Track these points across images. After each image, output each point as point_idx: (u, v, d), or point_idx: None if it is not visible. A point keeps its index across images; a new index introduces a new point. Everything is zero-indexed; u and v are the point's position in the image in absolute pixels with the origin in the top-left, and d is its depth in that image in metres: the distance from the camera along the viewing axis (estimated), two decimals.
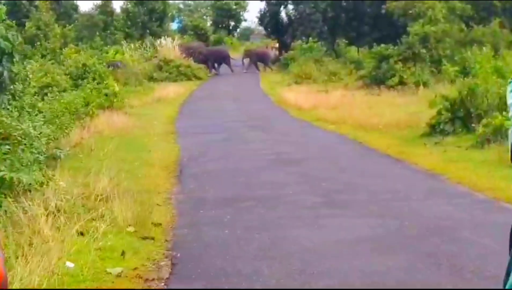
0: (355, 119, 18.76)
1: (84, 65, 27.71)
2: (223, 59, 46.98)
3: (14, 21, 13.63)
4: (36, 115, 14.04)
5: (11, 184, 7.67)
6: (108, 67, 31.44)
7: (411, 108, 21.21)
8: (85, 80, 25.12)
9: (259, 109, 24.73)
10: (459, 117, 14.95)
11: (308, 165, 12.21)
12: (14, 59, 11.26)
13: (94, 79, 26.10)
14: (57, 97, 18.29)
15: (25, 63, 22.86)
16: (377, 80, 30.73)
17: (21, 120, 9.74)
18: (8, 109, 11.71)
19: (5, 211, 7.02)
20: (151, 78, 39.61)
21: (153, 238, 7.08)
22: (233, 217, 8.13)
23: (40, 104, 16.12)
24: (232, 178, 10.97)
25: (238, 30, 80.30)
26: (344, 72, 39.13)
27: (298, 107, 24.24)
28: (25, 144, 8.45)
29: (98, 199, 8.36)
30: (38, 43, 41.66)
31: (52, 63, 29.06)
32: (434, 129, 15.09)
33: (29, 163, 8.23)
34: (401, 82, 29.25)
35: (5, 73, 10.94)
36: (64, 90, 22.48)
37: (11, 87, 12.62)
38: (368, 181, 10.38)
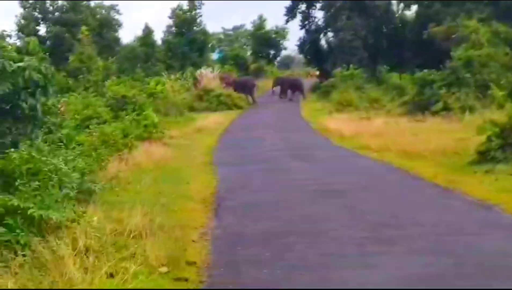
0: (399, 147, 18.16)
1: (124, 96, 27.69)
2: (250, 88, 46.62)
3: (47, 53, 13.34)
4: (73, 148, 13.87)
5: (40, 222, 7.32)
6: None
7: (457, 134, 20.50)
8: (124, 112, 25.09)
9: (300, 138, 24.27)
10: (511, 144, 14.25)
11: (352, 196, 11.64)
12: (48, 92, 10.99)
13: (134, 110, 26.03)
14: (96, 129, 18.14)
15: (66, 95, 22.93)
16: (421, 106, 30.05)
17: (52, 155, 9.40)
18: (42, 142, 11.48)
19: (33, 251, 6.65)
20: (191, 108, 39.51)
21: (186, 280, 6.62)
22: (273, 255, 7.61)
23: (77, 137, 15.98)
24: (272, 212, 10.45)
25: (278, 58, 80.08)
26: (386, 99, 38.43)
27: (340, 135, 23.72)
28: (55, 179, 8.06)
29: (131, 236, 7.95)
30: (81, 76, 42.11)
31: (95, 96, 29.18)
32: (484, 157, 14.39)
33: (59, 200, 7.86)
34: (446, 108, 28.48)
35: (38, 106, 10.67)
36: (105, 122, 22.42)
37: (45, 120, 12.42)
38: (416, 214, 9.80)
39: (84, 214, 8.10)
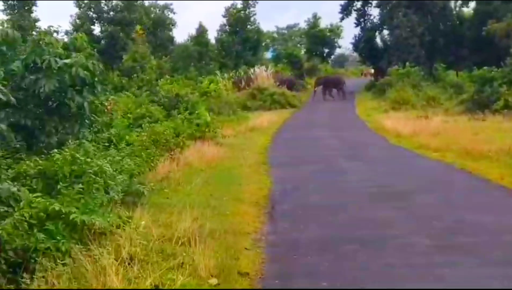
0: (460, 146, 17.34)
1: (177, 95, 27.40)
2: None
3: (96, 50, 12.96)
4: (122, 148, 13.50)
5: (82, 227, 6.88)
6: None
7: None
8: (177, 110, 24.79)
9: (356, 137, 23.52)
10: None
11: (414, 199, 10.93)
12: (96, 90, 10.61)
13: (186, 109, 25.68)
14: (147, 128, 17.81)
15: (113, 93, 22.67)
16: (480, 105, 29.05)
17: (99, 156, 8.96)
18: (92, 142, 11.12)
19: (74, 260, 6.20)
20: (245, 107, 39.09)
21: None
22: (332, 266, 7.02)
23: (128, 137, 15.63)
24: (329, 216, 9.82)
25: (332, 57, 79.09)
26: (444, 97, 37.44)
27: (397, 134, 22.92)
28: (100, 182, 7.60)
29: (179, 243, 7.45)
30: (135, 75, 42.14)
31: (148, 95, 28.99)
32: None
33: (104, 204, 7.41)
34: (507, 106, 27.43)
35: (85, 105, 10.29)
36: (157, 121, 22.12)
37: (94, 119, 12.07)
38: (485, 219, 9.05)
39: (130, 219, 7.65)
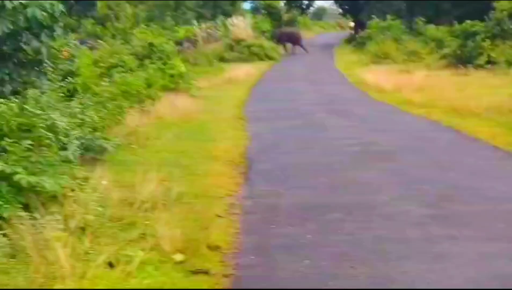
0: (446, 103, 16.57)
1: (151, 44, 26.30)
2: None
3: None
4: (86, 99, 12.52)
5: (30, 191, 5.97)
6: (178, 45, 30.29)
7: (507, 89, 18.85)
8: (150, 60, 23.80)
9: (337, 92, 22.65)
10: None
11: (401, 160, 10.08)
12: (55, 33, 9.56)
13: (161, 58, 24.66)
14: (118, 79, 16.81)
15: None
16: (463, 59, 28.28)
17: (54, 107, 7.98)
18: (55, 91, 10.16)
19: (15, 230, 5.30)
20: (222, 58, 38.02)
21: (207, 272, 5.20)
22: (316, 238, 6.15)
23: (95, 87, 14.65)
24: (311, 178, 8.95)
25: (311, 9, 77.76)
26: (425, 51, 36.71)
27: (379, 89, 22.07)
28: (52, 138, 6.64)
29: (142, 209, 6.57)
30: (109, 23, 40.81)
31: (122, 43, 27.88)
32: None
33: (56, 163, 6.48)
34: (489, 61, 26.71)
35: (44, 50, 9.28)
36: (130, 70, 21.12)
37: (56, 66, 11.07)
38: (482, 184, 8.25)
39: (87, 180, 6.75)
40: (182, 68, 21.18)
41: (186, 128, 13.63)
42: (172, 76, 20.66)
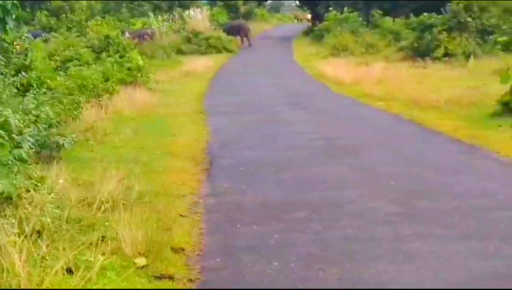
0: (406, 95, 16.54)
1: (107, 37, 25.84)
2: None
3: None
4: (44, 93, 12.14)
5: None
6: (134, 38, 29.79)
7: (465, 82, 18.98)
8: (106, 53, 23.36)
9: (296, 84, 22.48)
10: None
11: (365, 154, 9.95)
12: (7, 26, 9.15)
13: (117, 51, 24.23)
14: (72, 72, 16.40)
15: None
16: (420, 52, 28.38)
17: (6, 104, 7.63)
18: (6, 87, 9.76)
19: None
20: (179, 51, 37.56)
21: (171, 277, 4.95)
22: (282, 238, 5.93)
23: (50, 81, 14.22)
24: (275, 173, 8.74)
25: (268, 1, 77.51)
26: (383, 44, 36.76)
27: (338, 82, 21.99)
28: (4, 137, 6.30)
29: (102, 209, 6.29)
30: (64, 15, 40.08)
31: (78, 36, 27.34)
32: (508, 108, 12.78)
33: (9, 163, 6.16)
34: (447, 54, 26.84)
35: None
36: (87, 64, 20.68)
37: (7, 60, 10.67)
38: (447, 179, 8.13)
39: (43, 180, 6.44)
40: (140, 61, 20.76)
41: (145, 122, 13.34)
42: (129, 69, 20.24)
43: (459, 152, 10.07)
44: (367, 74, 22.39)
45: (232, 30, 43.78)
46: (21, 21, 16.54)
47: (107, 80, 17.48)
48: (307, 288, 4.90)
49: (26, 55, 12.59)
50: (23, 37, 13.17)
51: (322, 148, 10.49)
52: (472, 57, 25.64)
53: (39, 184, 6.30)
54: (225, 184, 8.15)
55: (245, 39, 44.08)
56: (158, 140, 11.19)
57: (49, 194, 6.18)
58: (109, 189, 6.70)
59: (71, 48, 23.64)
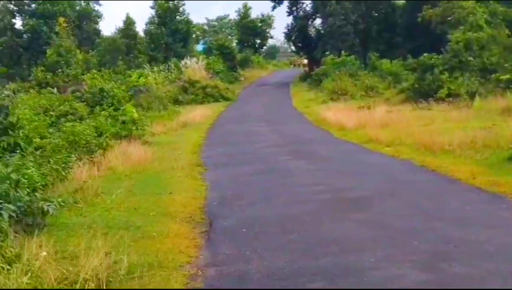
0: (414, 139, 15.82)
1: (101, 90, 25.29)
2: None
3: None
4: (31, 153, 11.44)
5: None
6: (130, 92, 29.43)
7: (474, 122, 18.27)
8: (101, 107, 22.78)
9: (297, 131, 21.79)
10: None
11: (379, 208, 9.09)
12: None
13: (112, 104, 23.66)
14: (64, 128, 15.73)
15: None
16: (422, 93, 27.85)
17: None
18: None
19: None
20: (176, 101, 37.08)
21: None
22: None
23: (38, 139, 13.53)
24: (281, 234, 7.86)
25: (264, 48, 77.43)
26: (382, 86, 36.35)
27: (340, 127, 21.31)
28: None
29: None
30: (60, 70, 39.72)
31: (73, 91, 26.88)
32: None
33: None
34: (449, 94, 26.24)
35: None
36: (80, 119, 20.10)
37: None
38: (477, 236, 7.23)
39: (16, 261, 5.61)
40: (135, 114, 20.05)
41: (140, 179, 12.54)
42: (124, 122, 19.53)
43: (481, 202, 9.19)
44: (370, 117, 21.72)
45: None
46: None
47: (100, 135, 16.78)
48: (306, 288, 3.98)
49: (7, 114, 11.83)
50: (2, 96, 12.39)
51: (330, 202, 9.63)
52: (477, 96, 25.01)
53: (13, 264, 5.46)
54: (227, 250, 7.27)
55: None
56: (153, 199, 10.37)
57: (25, 275, 5.34)
58: (94, 265, 5.85)
59: (66, 103, 23.11)
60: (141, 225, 8.31)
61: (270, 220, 8.69)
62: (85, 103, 24.02)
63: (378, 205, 9.21)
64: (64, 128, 15.56)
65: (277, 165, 14.10)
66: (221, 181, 12.41)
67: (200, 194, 11.03)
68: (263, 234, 7.97)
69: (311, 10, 55.15)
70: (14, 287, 5.11)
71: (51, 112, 20.75)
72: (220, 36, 69.90)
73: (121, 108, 21.22)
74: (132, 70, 45.53)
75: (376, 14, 52.43)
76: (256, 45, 70.32)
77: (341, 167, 13.34)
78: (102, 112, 20.59)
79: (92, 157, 14.38)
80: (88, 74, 32.16)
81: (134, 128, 19.60)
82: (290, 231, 7.98)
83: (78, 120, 19.41)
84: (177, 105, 34.83)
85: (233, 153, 16.94)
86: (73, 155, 13.85)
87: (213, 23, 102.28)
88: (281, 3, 56.48)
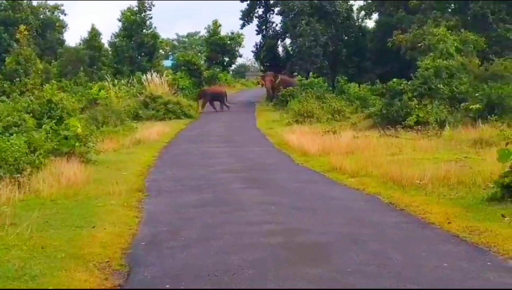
0: (381, 170, 14.34)
1: (49, 101, 23.56)
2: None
3: None
4: None
5: None
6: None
7: (444, 154, 16.95)
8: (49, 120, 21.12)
9: (257, 155, 20.17)
10: None
11: (339, 260, 7.33)
12: None
13: (60, 117, 21.99)
14: None
15: None
16: (390, 119, 26.62)
17: None
18: None
19: None
20: (136, 116, 35.40)
21: None
22: None
23: None
24: None
25: (233, 66, 75.97)
26: (349, 110, 35.24)
27: (303, 152, 19.80)
28: None
29: None
30: (18, 79, 38.09)
31: (26, 101, 25.16)
32: (509, 192, 10.46)
33: None
34: (418, 122, 25.03)
35: None
36: (25, 131, 18.39)
37: None
38: None
39: None
40: (78, 128, 18.22)
41: (65, 206, 10.81)
42: (66, 138, 17.73)
43: (461, 257, 7.48)
44: (335, 143, 20.30)
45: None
46: None
47: (34, 151, 14.99)
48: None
49: None
50: None
51: (281, 248, 7.90)
52: (447, 125, 23.83)
53: None
54: None
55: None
56: (70, 234, 8.62)
57: None
58: None
59: (15, 113, 21.44)
60: (37, 274, 6.54)
61: (203, 272, 6.88)
62: (30, 114, 22.28)
63: (338, 257, 7.50)
64: None
65: (227, 195, 12.42)
66: (159, 213, 10.69)
67: (128, 229, 9.28)
68: None
69: (281, 30, 53.89)
70: None
71: None
72: (188, 52, 68.36)
73: (65, 122, 19.44)
74: (94, 82, 43.90)
75: (346, 38, 51.52)
76: (225, 63, 68.80)
77: (298, 201, 11.63)
78: (44, 125, 18.79)
79: (16, 177, 12.59)
80: (47, 84, 30.40)
81: (77, 144, 17.85)
82: None
83: (23, 133, 17.72)
84: (136, 121, 33.08)
85: (182, 177, 15.26)
86: None
87: (183, 39, 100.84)
88: (251, 21, 55.10)
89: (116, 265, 7.30)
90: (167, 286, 6.46)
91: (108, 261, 7.41)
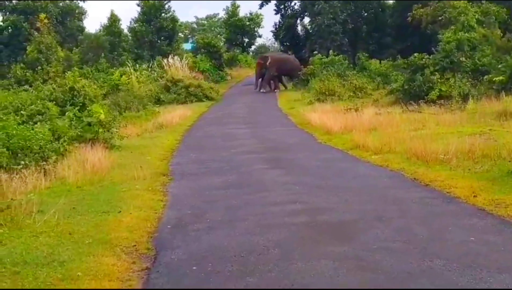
0: (404, 146, 14.26)
1: (72, 88, 23.69)
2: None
3: None
4: None
5: None
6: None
7: (468, 127, 16.73)
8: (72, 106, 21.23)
9: (279, 135, 20.15)
10: None
11: (364, 238, 7.34)
12: None
13: (83, 104, 22.10)
14: (14, 132, 14.04)
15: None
16: (412, 95, 26.34)
17: None
18: None
19: None
20: (158, 100, 35.51)
21: None
22: None
23: None
24: (238, 277, 6.12)
25: (252, 47, 75.81)
26: (371, 87, 34.92)
27: (326, 130, 19.75)
28: None
29: None
30: (40, 67, 38.29)
31: (49, 89, 25.33)
32: None
33: None
34: (440, 96, 24.73)
35: None
36: (49, 119, 18.47)
37: None
38: (490, 284, 5.62)
39: None
40: (101, 115, 18.31)
41: (90, 193, 10.88)
42: (90, 124, 17.83)
43: (488, 231, 7.46)
44: (357, 120, 20.20)
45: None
46: None
47: (58, 138, 15.10)
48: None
49: None
50: None
51: (305, 228, 7.93)
52: (470, 99, 23.58)
53: None
54: None
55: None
56: (96, 220, 8.70)
57: None
58: None
59: (38, 102, 21.54)
60: (66, 260, 6.63)
61: (229, 253, 6.93)
62: (53, 102, 22.40)
63: (362, 234, 7.50)
64: (14, 132, 13.81)
65: (250, 176, 12.44)
66: (184, 196, 10.74)
67: (154, 213, 9.36)
68: (215, 275, 6.23)
69: (299, 9, 53.72)
70: None
71: (21, 112, 19.20)
72: (208, 34, 68.29)
73: (88, 108, 19.53)
74: (115, 68, 44.00)
75: (365, 14, 51.23)
76: (244, 44, 68.75)
77: (322, 180, 11.62)
78: (67, 113, 18.91)
79: (42, 165, 12.70)
80: (69, 72, 30.50)
81: (101, 130, 17.93)
82: (251, 271, 6.28)
83: (47, 121, 17.83)
84: (158, 105, 33.23)
85: (205, 160, 15.31)
86: (23, 162, 12.29)
87: (203, 22, 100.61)
88: (269, 1, 54.96)
89: (143, 248, 7.37)
90: (194, 268, 6.49)
91: (135, 245, 7.48)
